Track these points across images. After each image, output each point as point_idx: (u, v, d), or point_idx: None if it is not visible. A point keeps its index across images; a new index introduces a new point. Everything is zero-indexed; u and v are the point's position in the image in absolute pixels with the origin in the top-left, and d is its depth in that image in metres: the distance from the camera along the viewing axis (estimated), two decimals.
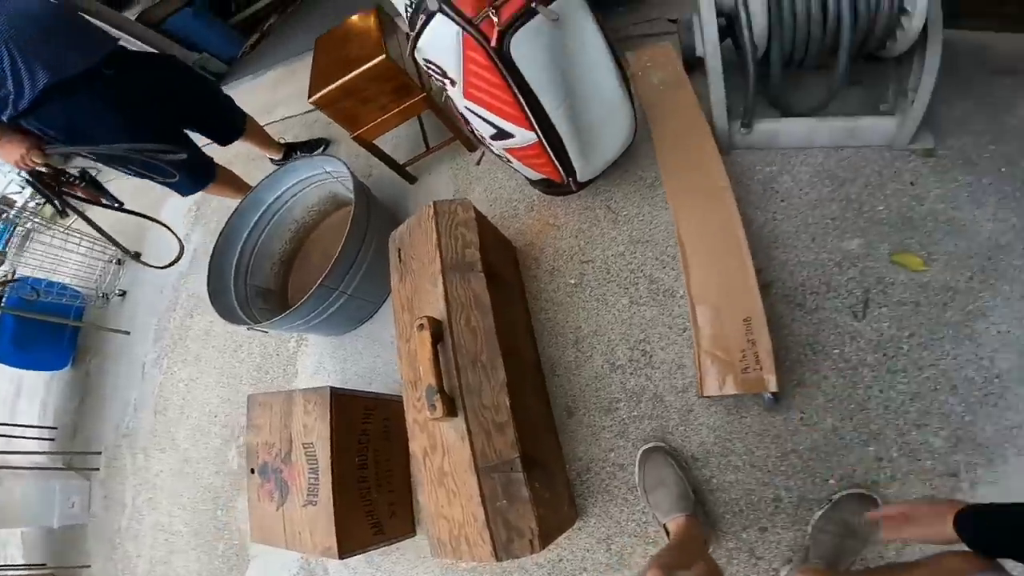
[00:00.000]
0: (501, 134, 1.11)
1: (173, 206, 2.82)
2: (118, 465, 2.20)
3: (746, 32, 1.12)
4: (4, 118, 1.42)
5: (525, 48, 0.93)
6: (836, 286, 1.11)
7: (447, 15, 0.89)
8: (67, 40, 1.43)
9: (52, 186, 1.51)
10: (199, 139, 1.83)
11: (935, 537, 0.60)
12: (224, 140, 1.97)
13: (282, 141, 2.34)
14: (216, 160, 1.90)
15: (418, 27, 0.93)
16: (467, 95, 1.03)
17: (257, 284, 1.76)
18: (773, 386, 0.97)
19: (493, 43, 0.90)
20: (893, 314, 1.04)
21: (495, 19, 0.88)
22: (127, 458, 2.17)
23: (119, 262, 2.81)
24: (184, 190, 1.83)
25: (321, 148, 2.35)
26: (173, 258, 1.84)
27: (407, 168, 1.80)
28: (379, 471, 1.26)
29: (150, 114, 1.63)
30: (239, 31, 4.14)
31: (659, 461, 1.05)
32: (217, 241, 1.69)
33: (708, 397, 1.04)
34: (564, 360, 1.28)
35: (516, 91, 0.98)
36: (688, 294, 1.13)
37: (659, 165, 1.33)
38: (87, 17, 1.59)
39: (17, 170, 1.50)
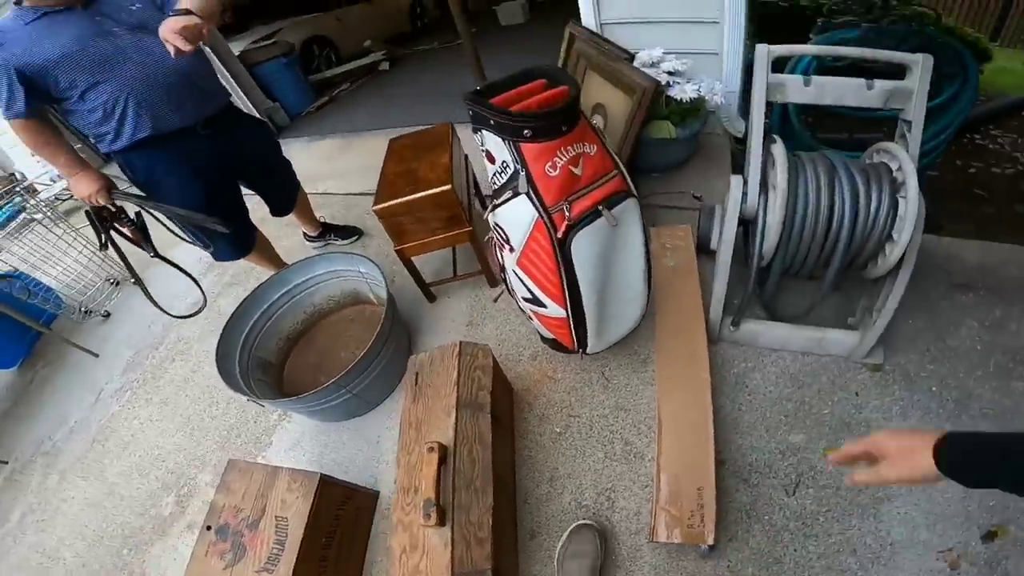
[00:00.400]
0: (535, 301, 1.31)
1: (186, 249, 2.99)
2: (21, 480, 2.06)
3: (758, 242, 1.41)
4: (103, 149, 1.61)
5: (582, 244, 1.12)
6: (777, 469, 1.32)
7: (531, 200, 1.08)
8: (182, 95, 1.57)
9: (107, 220, 1.63)
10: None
11: (911, 474, 0.57)
12: (279, 212, 2.18)
13: (321, 220, 2.54)
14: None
15: (502, 199, 1.13)
16: (520, 264, 1.24)
17: (260, 355, 1.84)
18: (711, 540, 1.14)
19: (560, 234, 1.09)
20: (817, 494, 1.26)
21: (567, 213, 1.07)
22: (36, 476, 2.05)
23: (115, 283, 2.79)
24: (222, 256, 1.97)
25: (355, 238, 2.54)
26: (195, 310, 1.96)
27: (431, 287, 1.98)
28: (340, 552, 1.30)
29: (223, 179, 1.80)
30: (312, 89, 4.58)
31: (587, 537, 1.22)
32: (237, 308, 1.79)
33: (657, 542, 1.20)
34: (537, 492, 1.40)
35: (563, 277, 1.17)
36: (656, 461, 1.29)
37: (656, 347, 1.56)
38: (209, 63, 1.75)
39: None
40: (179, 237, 1.92)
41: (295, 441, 1.78)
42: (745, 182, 1.43)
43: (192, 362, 2.26)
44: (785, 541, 1.21)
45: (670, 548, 1.24)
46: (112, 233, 1.68)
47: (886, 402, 1.39)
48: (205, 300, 1.99)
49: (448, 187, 1.62)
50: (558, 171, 1.08)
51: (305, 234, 2.56)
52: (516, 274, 1.30)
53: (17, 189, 2.47)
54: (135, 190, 1.71)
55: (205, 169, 1.71)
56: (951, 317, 1.53)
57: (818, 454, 1.32)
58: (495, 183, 1.20)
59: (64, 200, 3.70)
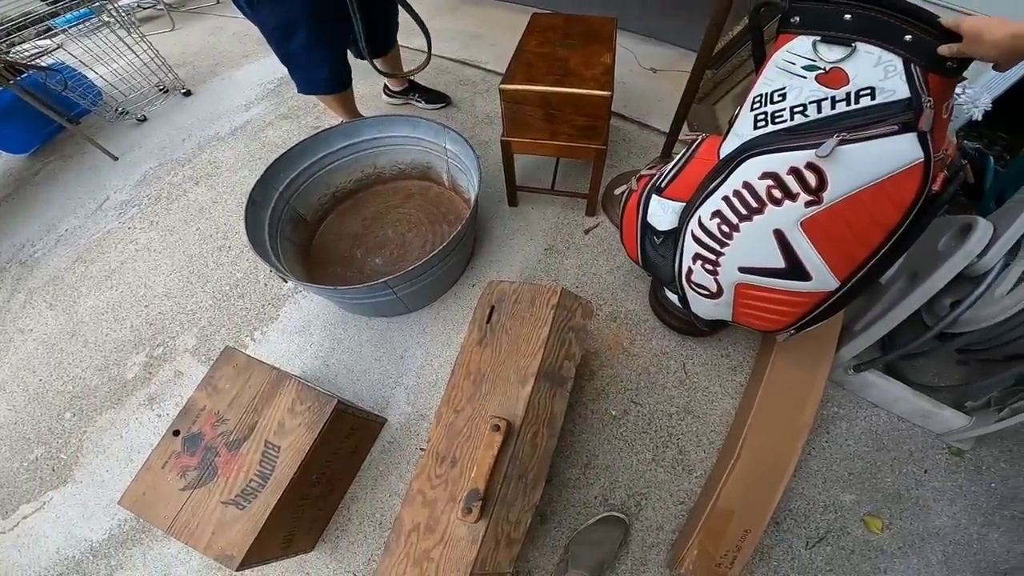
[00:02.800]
0: (792, 272, 0.88)
1: (264, 67, 2.57)
2: None
3: (962, 308, 1.01)
4: None
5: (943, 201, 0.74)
6: (811, 521, 1.13)
7: (924, 143, 0.68)
8: None
9: None
10: None
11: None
12: (377, 50, 1.71)
13: (412, 78, 2.08)
14: None
15: (871, 130, 0.71)
16: (811, 223, 0.79)
17: (296, 209, 1.49)
18: None
19: (938, 186, 0.71)
20: (831, 553, 1.09)
21: (945, 164, 0.73)
22: (2, 290, 1.72)
23: (164, 90, 2.48)
24: (312, 85, 1.56)
25: (442, 105, 2.13)
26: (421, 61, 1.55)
27: (519, 190, 1.59)
28: (325, 488, 1.05)
29: None
30: None
31: (613, 531, 1.07)
32: (293, 147, 1.41)
33: (674, 571, 1.04)
34: (566, 474, 1.16)
35: (897, 238, 0.77)
36: (718, 492, 1.05)
37: (767, 368, 1.20)
38: None
39: None
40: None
41: (304, 324, 1.45)
42: (995, 233, 0.98)
43: (217, 191, 1.90)
44: None
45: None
46: None
47: (946, 486, 1.16)
48: (429, 53, 1.58)
49: (608, 93, 1.16)
50: (948, 115, 0.72)
51: (387, 87, 2.13)
52: (781, 236, 0.84)
53: None
54: None
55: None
56: None
57: (857, 517, 1.13)
58: (804, 113, 0.75)
59: (146, 8, 3.45)
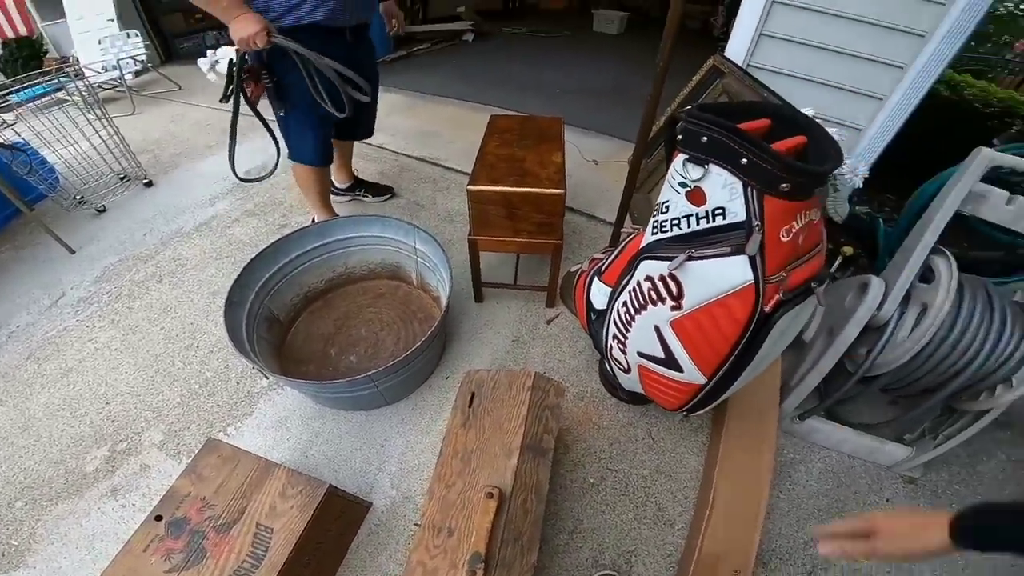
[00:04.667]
0: (669, 363, 1.07)
1: (217, 163, 2.78)
2: None
3: (874, 355, 1.25)
4: (281, 21, 1.52)
5: (784, 321, 0.90)
6: (796, 558, 1.26)
7: (752, 264, 0.82)
8: (355, 1, 1.60)
9: (248, 73, 1.58)
10: None
11: (920, 548, 0.61)
12: (359, 133, 2.09)
13: (356, 172, 2.37)
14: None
15: (709, 251, 0.86)
16: (677, 324, 0.97)
17: (271, 308, 1.61)
18: None
19: (768, 308, 0.85)
20: None
21: (781, 287, 0.85)
22: None
23: (124, 178, 2.57)
24: (304, 154, 1.81)
25: (387, 197, 2.39)
26: (264, 174, 1.81)
27: (484, 287, 1.79)
28: (314, 571, 1.08)
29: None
30: (391, 40, 4.35)
31: None
32: (266, 248, 1.56)
33: None
34: (555, 540, 1.25)
35: (740, 350, 0.93)
36: (703, 532, 1.17)
37: (724, 426, 1.37)
38: None
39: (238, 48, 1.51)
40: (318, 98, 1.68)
41: (281, 419, 1.51)
42: (888, 289, 1.26)
43: (182, 289, 1.97)
44: None
45: None
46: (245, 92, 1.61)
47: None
48: (277, 160, 1.81)
49: (561, 191, 1.41)
50: (789, 238, 0.83)
51: (333, 184, 2.33)
52: (658, 332, 1.05)
53: (65, 69, 2.28)
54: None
55: (316, 83, 1.65)
56: (986, 448, 1.51)
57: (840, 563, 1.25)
58: (679, 227, 0.93)
59: (107, 89, 3.64)
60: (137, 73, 3.97)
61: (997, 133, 2.48)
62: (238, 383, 1.62)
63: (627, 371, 1.26)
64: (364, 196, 2.36)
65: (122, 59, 3.56)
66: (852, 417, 1.51)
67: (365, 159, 2.68)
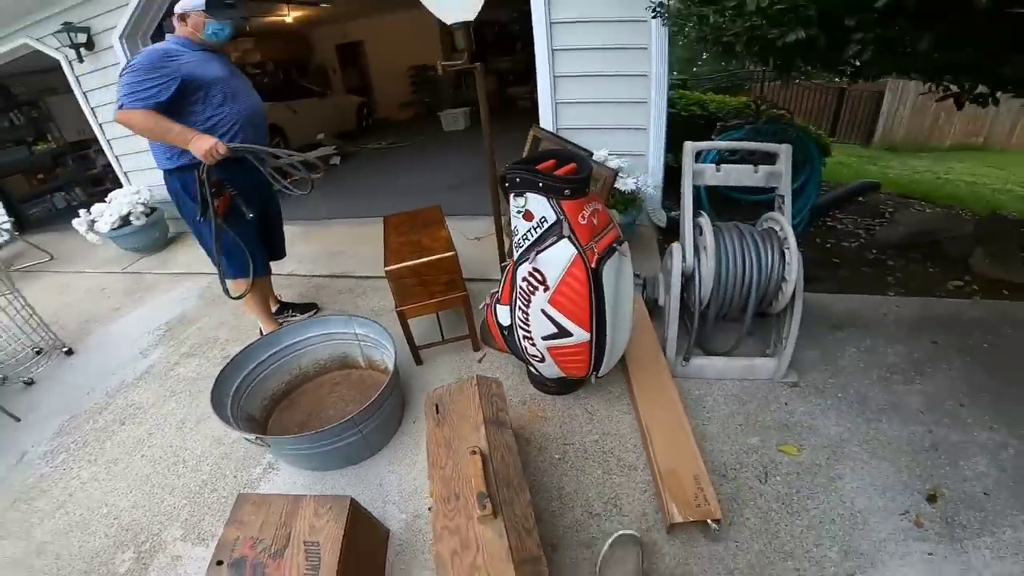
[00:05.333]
0: (561, 333, 1.56)
1: (143, 317, 2.98)
2: None
3: (697, 291, 1.85)
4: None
5: (607, 271, 1.47)
6: (746, 464, 1.62)
7: (571, 241, 1.42)
8: (259, 131, 2.14)
9: (214, 186, 1.95)
10: None
11: None
12: (275, 256, 2.47)
13: (279, 297, 2.70)
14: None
15: (545, 245, 1.44)
16: (552, 300, 1.51)
17: (246, 409, 1.86)
18: (718, 514, 1.36)
19: (593, 264, 1.42)
20: (784, 480, 1.55)
21: (595, 249, 1.44)
22: None
23: (38, 352, 2.64)
24: (236, 271, 2.17)
25: (312, 312, 2.70)
26: (239, 293, 2.18)
27: (420, 350, 2.16)
28: None
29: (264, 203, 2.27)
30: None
31: (628, 546, 1.32)
32: (225, 367, 1.82)
33: (673, 525, 1.38)
34: (549, 509, 1.52)
35: (592, 301, 1.48)
36: (654, 462, 1.54)
37: (632, 380, 1.86)
38: None
39: (202, 162, 1.88)
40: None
41: (284, 491, 1.69)
42: (683, 247, 1.89)
43: (148, 426, 2.13)
44: (775, 519, 1.45)
45: (682, 536, 1.42)
46: (211, 206, 1.98)
47: (808, 407, 1.81)
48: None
49: (452, 253, 1.91)
50: (586, 220, 1.46)
51: None
52: (545, 313, 1.56)
53: None
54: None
55: (257, 190, 2.17)
56: (836, 347, 2.08)
57: (774, 449, 1.66)
58: (527, 239, 1.52)
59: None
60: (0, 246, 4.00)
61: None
62: (235, 476, 1.81)
63: (542, 360, 1.73)
64: (292, 316, 2.66)
65: None
66: (720, 347, 2.05)
67: (281, 287, 2.98)
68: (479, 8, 1.60)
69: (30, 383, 2.52)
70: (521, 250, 1.57)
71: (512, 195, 1.52)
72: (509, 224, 1.64)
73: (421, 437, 1.83)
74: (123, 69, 1.86)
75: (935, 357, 2.01)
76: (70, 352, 2.73)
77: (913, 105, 7.17)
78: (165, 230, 3.94)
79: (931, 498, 1.47)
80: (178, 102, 1.90)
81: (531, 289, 1.57)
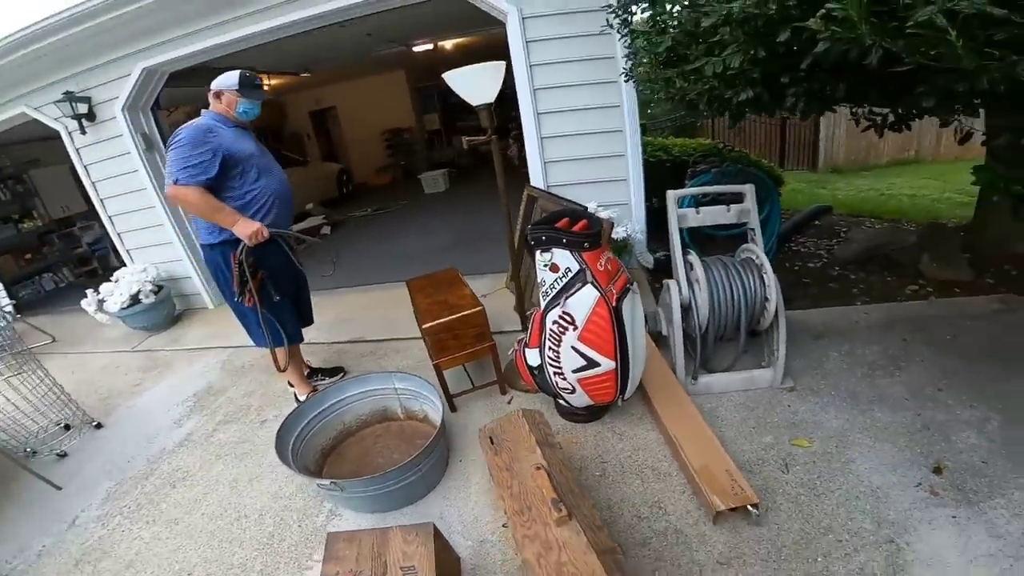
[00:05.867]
0: (590, 365, 1.82)
1: (168, 390, 3.08)
2: None
3: (696, 319, 2.16)
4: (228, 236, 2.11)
5: (625, 308, 1.76)
6: (766, 460, 1.87)
7: (594, 286, 1.73)
8: (289, 207, 2.32)
9: (251, 270, 2.10)
10: None
11: None
12: (307, 323, 2.63)
13: (308, 363, 2.85)
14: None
15: (572, 291, 1.74)
16: (581, 337, 1.78)
17: (303, 463, 2.02)
18: (755, 498, 1.59)
19: (614, 303, 1.73)
20: (804, 468, 1.80)
21: (614, 290, 1.75)
22: None
23: (67, 427, 2.69)
24: (291, 336, 2.35)
25: (341, 375, 2.84)
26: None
27: (453, 398, 2.37)
28: None
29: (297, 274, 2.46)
30: None
31: None
32: (284, 421, 2.03)
33: (718, 513, 1.58)
34: (601, 519, 1.61)
35: (616, 334, 1.76)
36: (688, 465, 1.76)
37: (653, 402, 2.11)
38: None
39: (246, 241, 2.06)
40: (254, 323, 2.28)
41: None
42: (678, 282, 2.21)
43: (200, 487, 2.22)
44: (805, 502, 1.66)
45: (728, 526, 1.62)
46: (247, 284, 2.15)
47: (808, 406, 2.09)
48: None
49: (481, 308, 2.18)
50: (603, 267, 1.77)
51: (290, 382, 2.70)
52: (575, 349, 1.82)
53: None
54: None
55: (290, 266, 2.36)
56: (820, 353, 2.41)
57: (788, 444, 1.92)
58: (554, 288, 1.81)
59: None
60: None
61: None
62: (300, 525, 1.93)
63: (573, 391, 1.97)
64: (322, 380, 2.81)
65: None
66: (721, 364, 2.35)
67: (306, 354, 3.13)
68: (497, 92, 1.92)
69: (63, 455, 2.59)
70: (549, 298, 1.85)
71: (539, 251, 1.82)
72: (519, 278, 1.90)
73: (470, 473, 2.02)
74: (169, 144, 2.01)
75: (907, 352, 2.35)
76: (99, 426, 2.81)
77: (847, 129, 7.98)
78: (172, 307, 4.06)
79: (936, 470, 1.71)
80: (219, 177, 2.03)
81: (561, 330, 1.83)
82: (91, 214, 6.57)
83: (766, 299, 2.15)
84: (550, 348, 1.90)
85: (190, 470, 2.36)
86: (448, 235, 5.28)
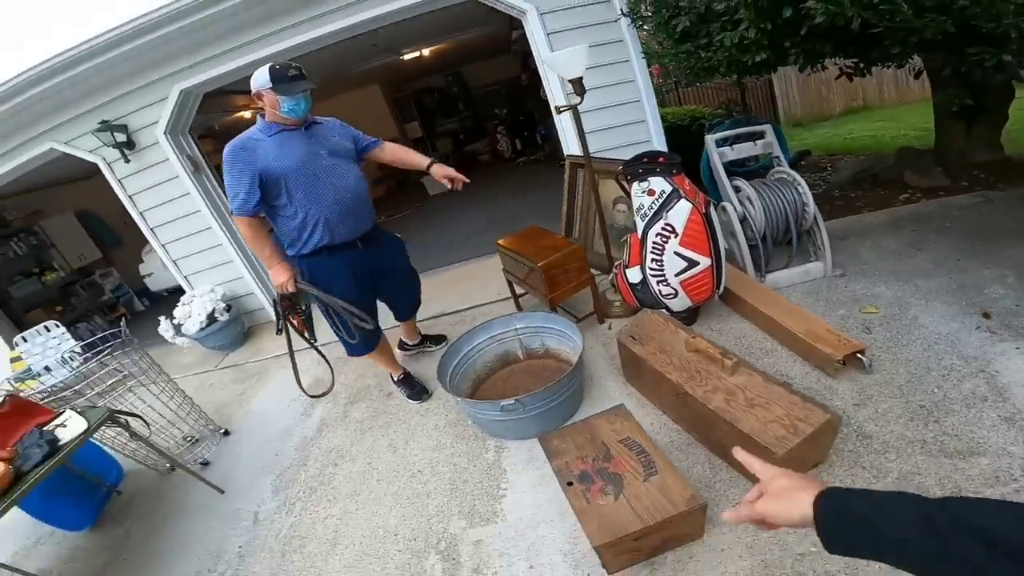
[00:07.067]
0: (691, 265, 2.26)
1: (277, 392, 3.26)
2: None
3: (754, 226, 2.65)
4: (290, 253, 2.09)
5: (712, 214, 2.24)
6: (849, 327, 2.29)
7: (687, 200, 2.19)
8: (352, 214, 2.06)
9: (287, 308, 2.10)
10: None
11: (787, 512, 0.60)
12: (402, 317, 2.68)
13: (419, 331, 3.05)
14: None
15: (671, 207, 2.19)
16: (682, 242, 2.23)
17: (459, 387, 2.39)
18: (862, 345, 2.00)
19: (704, 209, 2.18)
20: (882, 328, 2.24)
21: (700, 202, 2.25)
22: None
23: (195, 440, 2.82)
24: (355, 350, 2.38)
25: (445, 343, 3.03)
26: (325, 391, 2.49)
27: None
28: None
29: (369, 284, 2.30)
30: None
31: None
32: (443, 356, 2.40)
33: (837, 364, 1.98)
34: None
35: (709, 235, 2.22)
36: (791, 330, 2.17)
37: (741, 296, 2.53)
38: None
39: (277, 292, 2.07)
40: (334, 330, 2.33)
41: (527, 460, 2.06)
42: (731, 202, 2.71)
43: (362, 460, 2.40)
44: (898, 352, 2.07)
45: (847, 379, 1.99)
46: (289, 321, 2.19)
47: (862, 284, 2.59)
48: (333, 381, 2.49)
49: (580, 244, 2.61)
50: (688, 187, 2.28)
51: (402, 341, 3.04)
52: (677, 254, 2.27)
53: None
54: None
55: (359, 275, 2.22)
56: (852, 249, 2.94)
57: (859, 312, 2.38)
58: (652, 208, 2.27)
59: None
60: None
61: (702, 128, 4.59)
62: (474, 465, 2.15)
63: (675, 295, 2.42)
64: (429, 347, 3.08)
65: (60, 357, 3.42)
66: (780, 264, 2.84)
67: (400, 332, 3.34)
68: (583, 68, 2.33)
69: (206, 463, 2.74)
70: (648, 219, 2.31)
71: (637, 182, 2.28)
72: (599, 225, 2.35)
73: (606, 386, 2.37)
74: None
75: (920, 239, 2.91)
76: (227, 433, 2.99)
77: (798, 86, 8.80)
78: (243, 324, 4.27)
79: (985, 315, 2.13)
80: (267, 199, 1.93)
81: (664, 240, 2.29)
82: (104, 262, 6.67)
83: (805, 205, 2.67)
84: (652, 260, 2.35)
85: (343, 448, 2.53)
86: (466, 227, 5.67)
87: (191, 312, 3.90)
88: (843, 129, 7.75)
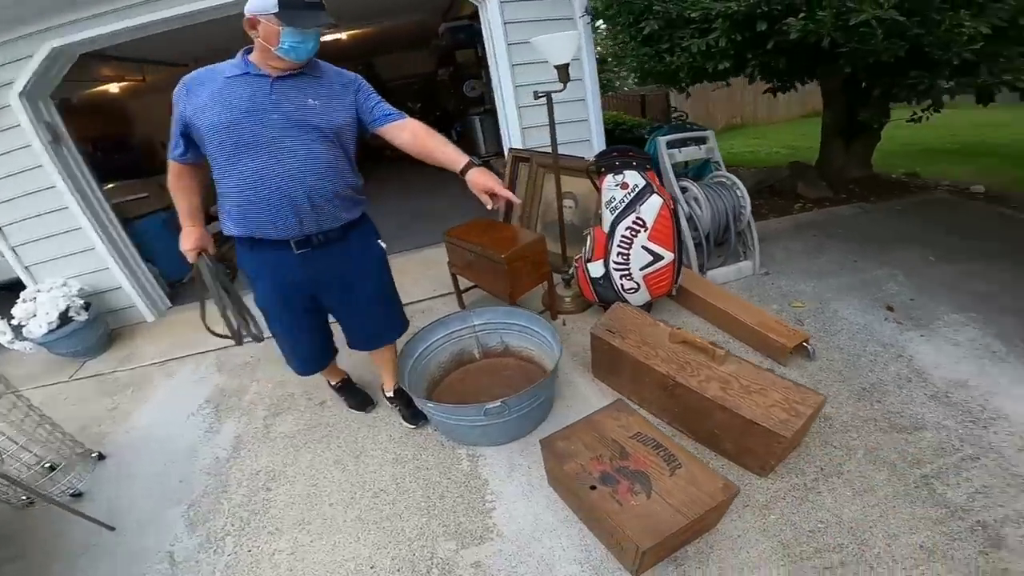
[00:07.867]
0: (656, 259, 2.32)
1: (167, 406, 2.70)
2: None
3: (701, 225, 2.82)
4: (223, 230, 1.66)
5: (679, 210, 2.32)
6: (783, 319, 2.50)
7: (657, 194, 2.22)
8: (290, 208, 1.57)
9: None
10: None
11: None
12: (355, 345, 2.03)
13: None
14: None
15: (643, 200, 2.22)
16: (651, 237, 2.27)
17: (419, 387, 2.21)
18: (808, 335, 2.24)
19: (672, 206, 2.23)
20: (810, 319, 2.54)
21: (668, 198, 2.27)
22: None
23: (51, 467, 2.21)
24: (298, 369, 2.06)
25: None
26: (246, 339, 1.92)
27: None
28: None
29: (300, 302, 1.82)
30: None
31: None
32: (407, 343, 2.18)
33: (788, 352, 2.19)
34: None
35: (675, 230, 2.28)
36: (744, 321, 2.37)
37: (693, 292, 2.65)
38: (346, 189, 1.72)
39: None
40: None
41: (508, 469, 1.94)
42: (680, 204, 2.85)
43: (303, 481, 2.05)
44: (829, 341, 2.35)
45: (795, 364, 2.20)
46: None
47: (785, 281, 2.93)
48: (249, 332, 1.94)
49: (542, 235, 2.52)
50: (658, 183, 2.32)
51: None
52: (644, 248, 2.31)
53: None
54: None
55: (286, 285, 1.76)
56: (768, 251, 3.28)
57: (789, 307, 2.67)
58: (623, 202, 2.29)
59: None
60: None
61: (625, 133, 4.83)
62: (449, 477, 1.97)
63: (636, 290, 2.47)
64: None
65: None
66: (716, 263, 3.06)
67: None
68: (571, 55, 2.25)
69: (78, 495, 2.18)
70: (619, 212, 2.33)
71: (612, 174, 2.29)
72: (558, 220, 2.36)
73: (578, 388, 2.30)
74: None
75: (819, 243, 3.35)
76: (102, 457, 2.39)
77: (691, 100, 9.76)
78: (106, 325, 3.48)
79: (889, 308, 2.51)
80: (200, 152, 1.61)
81: (633, 234, 2.33)
82: None
83: (742, 207, 2.91)
84: (618, 254, 2.38)
85: (273, 469, 2.16)
86: (399, 216, 5.33)
87: (35, 310, 3.09)
88: (726, 144, 8.71)
